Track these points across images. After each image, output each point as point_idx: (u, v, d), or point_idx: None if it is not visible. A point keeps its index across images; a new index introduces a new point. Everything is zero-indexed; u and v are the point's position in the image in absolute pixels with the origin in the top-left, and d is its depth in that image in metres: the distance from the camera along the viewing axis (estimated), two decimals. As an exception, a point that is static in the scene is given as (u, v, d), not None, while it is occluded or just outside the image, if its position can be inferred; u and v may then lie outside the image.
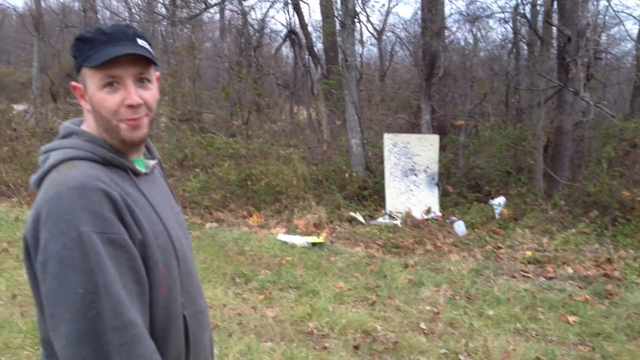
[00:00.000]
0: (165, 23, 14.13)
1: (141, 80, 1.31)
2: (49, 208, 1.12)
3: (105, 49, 1.25)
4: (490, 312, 4.91)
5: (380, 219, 8.22)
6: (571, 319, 4.81)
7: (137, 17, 16.07)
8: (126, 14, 17.25)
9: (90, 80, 1.28)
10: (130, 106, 1.28)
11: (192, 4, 13.15)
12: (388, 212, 8.48)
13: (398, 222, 8.07)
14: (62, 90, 15.13)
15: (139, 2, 16.48)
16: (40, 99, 13.27)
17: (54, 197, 1.13)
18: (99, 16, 16.64)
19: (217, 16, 16.07)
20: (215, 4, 12.50)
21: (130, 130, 1.31)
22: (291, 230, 7.58)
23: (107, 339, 1.11)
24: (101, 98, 1.27)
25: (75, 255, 1.10)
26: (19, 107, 14.39)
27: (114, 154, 1.30)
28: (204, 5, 11.31)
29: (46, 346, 1.22)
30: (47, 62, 15.75)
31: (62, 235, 1.10)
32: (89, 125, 1.34)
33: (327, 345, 4.19)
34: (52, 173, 1.21)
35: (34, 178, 1.25)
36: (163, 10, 14.54)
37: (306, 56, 14.53)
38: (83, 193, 1.14)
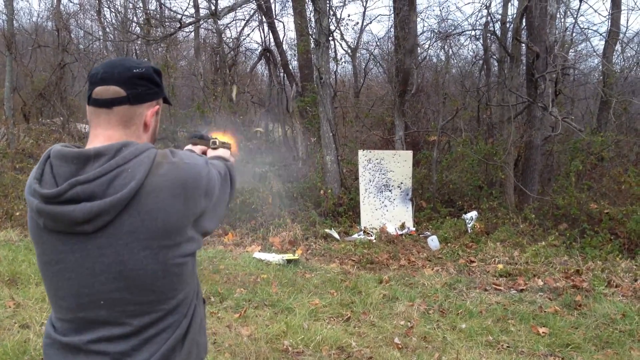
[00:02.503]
0: (139, 42, 14.11)
1: None
2: (191, 174, 1.48)
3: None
4: (463, 326, 4.98)
5: (355, 235, 8.27)
6: (541, 330, 4.90)
7: (111, 36, 16.02)
8: (100, 33, 17.16)
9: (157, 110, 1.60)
10: None
11: (167, 23, 13.16)
12: (363, 228, 8.55)
13: (373, 237, 8.12)
14: (35, 110, 14.98)
15: (113, 22, 16.43)
16: (12, 119, 13.07)
17: (190, 168, 1.49)
18: (72, 35, 16.58)
19: (192, 35, 16.07)
20: (190, 23, 12.48)
21: None
22: (266, 248, 7.58)
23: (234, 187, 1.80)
24: (157, 121, 1.65)
25: (221, 178, 1.65)
26: (-10, 128, 14.17)
27: None
28: (178, 24, 11.30)
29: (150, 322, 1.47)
30: (19, 82, 15.58)
31: (219, 175, 1.64)
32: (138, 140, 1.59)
33: (301, 362, 4.21)
34: (161, 166, 1.44)
35: (132, 184, 1.38)
36: (137, 30, 14.52)
37: (281, 74, 14.58)
38: (195, 156, 1.59)
